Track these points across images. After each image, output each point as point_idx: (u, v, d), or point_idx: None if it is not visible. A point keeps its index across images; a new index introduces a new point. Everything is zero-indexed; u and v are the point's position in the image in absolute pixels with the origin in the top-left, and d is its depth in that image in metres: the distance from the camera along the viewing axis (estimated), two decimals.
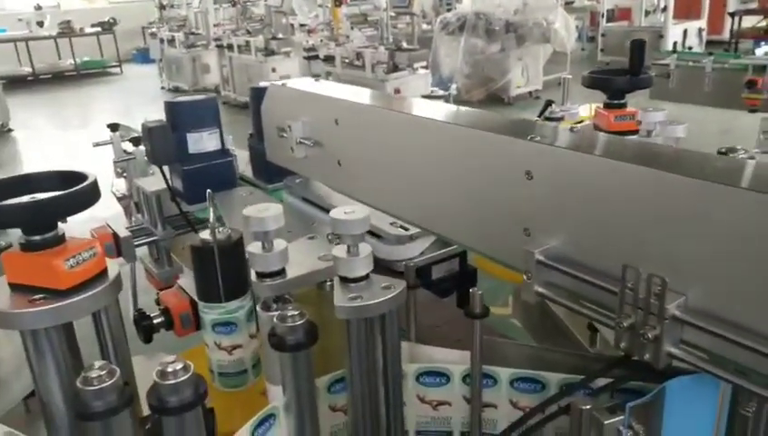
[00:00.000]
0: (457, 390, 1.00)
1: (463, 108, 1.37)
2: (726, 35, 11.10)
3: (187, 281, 1.43)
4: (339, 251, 0.90)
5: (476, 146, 1.10)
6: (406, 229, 1.57)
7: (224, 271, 1.09)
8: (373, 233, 1.55)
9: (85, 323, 0.99)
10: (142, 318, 1.38)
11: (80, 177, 0.95)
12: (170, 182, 1.90)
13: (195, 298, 1.24)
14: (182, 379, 0.72)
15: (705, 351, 0.79)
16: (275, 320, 0.85)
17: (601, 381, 0.91)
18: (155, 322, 1.37)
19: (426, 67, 7.58)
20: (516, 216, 1.03)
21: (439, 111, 1.31)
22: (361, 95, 1.49)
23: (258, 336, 1.18)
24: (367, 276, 0.91)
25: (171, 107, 1.88)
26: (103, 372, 0.73)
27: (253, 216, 0.93)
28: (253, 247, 0.97)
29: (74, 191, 0.90)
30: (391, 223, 1.62)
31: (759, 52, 6.06)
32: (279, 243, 0.97)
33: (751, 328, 0.74)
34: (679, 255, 0.80)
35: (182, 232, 1.91)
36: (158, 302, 1.41)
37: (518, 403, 0.98)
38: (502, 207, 1.06)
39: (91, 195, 0.93)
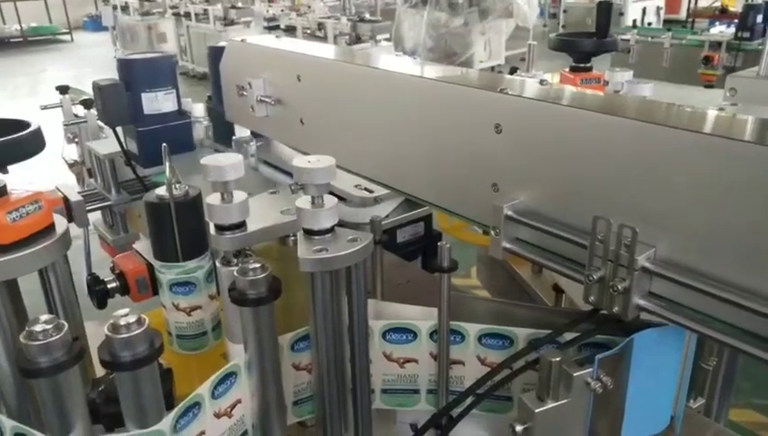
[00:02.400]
0: (424, 346, 0.98)
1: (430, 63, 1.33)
2: (683, 15, 11.30)
3: (143, 246, 1.37)
4: (303, 202, 0.86)
5: (444, 100, 1.07)
6: (370, 191, 1.54)
7: (182, 228, 1.04)
8: (337, 196, 1.51)
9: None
10: (95, 282, 1.32)
11: (23, 125, 0.89)
12: (124, 144, 1.81)
13: (152, 262, 1.19)
14: (136, 332, 0.68)
15: (672, 302, 0.79)
16: (236, 273, 0.81)
17: (568, 336, 0.91)
18: (110, 286, 1.32)
19: (389, 40, 7.49)
20: (485, 171, 1.01)
21: (406, 65, 1.27)
22: (325, 51, 1.43)
23: (218, 298, 1.14)
24: (332, 229, 0.87)
25: (124, 65, 1.79)
26: (50, 326, 0.67)
27: (212, 165, 0.88)
28: (212, 198, 0.92)
29: (14, 137, 0.84)
30: (356, 186, 1.59)
31: (714, 30, 6.21)
32: (239, 195, 0.92)
33: (718, 277, 0.73)
34: (649, 206, 0.79)
35: (138, 198, 1.84)
36: (113, 270, 1.34)
37: (486, 360, 0.97)
38: (470, 162, 1.04)
39: (33, 143, 0.88)
